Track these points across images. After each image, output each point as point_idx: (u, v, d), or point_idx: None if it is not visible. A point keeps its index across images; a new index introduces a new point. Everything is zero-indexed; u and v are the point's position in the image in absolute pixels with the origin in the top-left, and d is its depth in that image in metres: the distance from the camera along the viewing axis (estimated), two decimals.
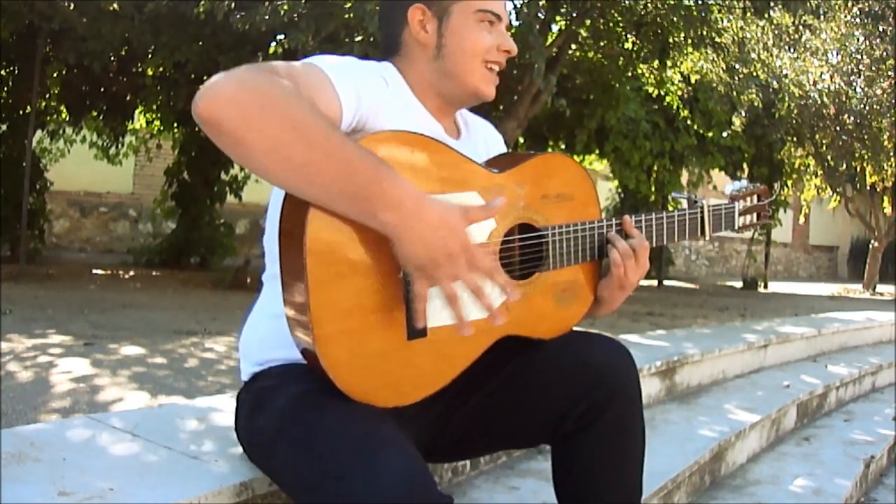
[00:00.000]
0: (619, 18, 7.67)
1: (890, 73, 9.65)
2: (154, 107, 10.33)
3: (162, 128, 11.03)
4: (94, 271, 8.72)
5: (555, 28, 7.65)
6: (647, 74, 8.85)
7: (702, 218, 1.48)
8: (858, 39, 9.50)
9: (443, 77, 1.31)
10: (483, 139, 1.46)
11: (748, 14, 7.35)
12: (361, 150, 1.02)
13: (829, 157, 12.04)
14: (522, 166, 1.32)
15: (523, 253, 1.31)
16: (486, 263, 1.08)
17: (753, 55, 8.23)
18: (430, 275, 1.06)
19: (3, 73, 8.64)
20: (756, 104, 9.64)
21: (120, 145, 11.40)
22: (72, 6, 6.88)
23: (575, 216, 1.35)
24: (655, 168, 11.58)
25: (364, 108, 1.15)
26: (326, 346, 1.06)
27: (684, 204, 1.49)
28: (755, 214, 1.58)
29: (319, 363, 1.07)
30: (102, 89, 9.90)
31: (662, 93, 9.25)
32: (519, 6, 6.46)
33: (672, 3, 7.14)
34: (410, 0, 1.29)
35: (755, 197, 1.57)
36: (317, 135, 0.99)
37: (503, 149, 1.50)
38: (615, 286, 1.37)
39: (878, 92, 9.99)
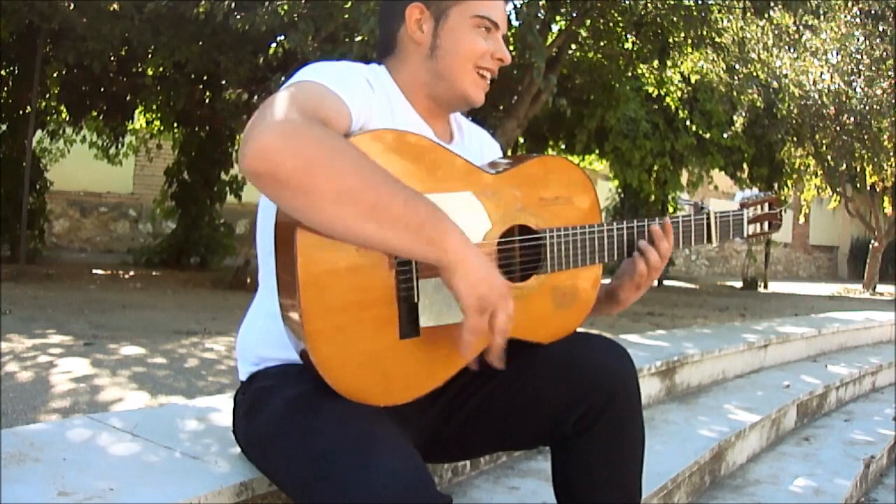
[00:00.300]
0: (619, 18, 7.67)
1: (890, 73, 9.65)
2: (154, 107, 10.32)
3: (162, 128, 11.03)
4: (94, 271, 8.72)
5: (555, 28, 7.64)
6: (647, 74, 8.84)
7: (708, 225, 1.47)
8: (858, 39, 9.50)
9: (434, 78, 1.31)
10: (479, 145, 1.45)
11: (748, 14, 7.35)
12: (412, 188, 1.04)
13: (829, 157, 12.04)
14: (519, 168, 1.31)
15: (521, 255, 1.30)
16: (512, 307, 1.10)
17: (753, 55, 8.23)
18: (485, 306, 1.07)
19: (3, 73, 8.64)
20: (756, 104, 9.64)
21: (120, 145, 11.40)
22: (72, 6, 6.88)
23: (574, 219, 1.34)
24: (656, 168, 11.57)
25: (363, 115, 1.17)
26: (317, 343, 1.06)
27: (687, 210, 1.48)
28: (766, 223, 1.58)
29: (311, 362, 1.07)
30: (102, 89, 9.90)
31: (662, 93, 9.24)
32: (519, 6, 6.46)
33: (672, 3, 7.14)
34: None
35: (766, 205, 1.57)
36: (377, 177, 1.00)
37: (500, 155, 1.49)
38: (633, 288, 1.40)
39: (878, 92, 9.99)
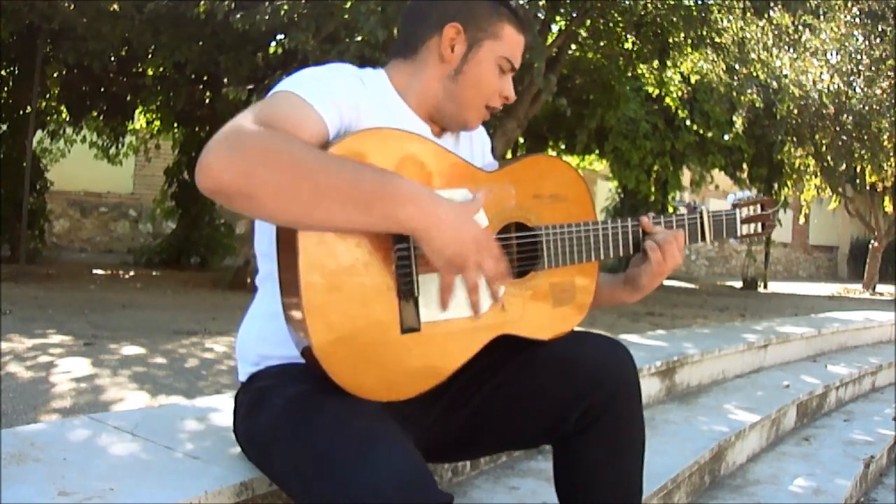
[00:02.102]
0: (619, 18, 7.67)
1: (890, 73, 9.64)
2: (154, 107, 10.33)
3: (162, 128, 11.03)
4: (94, 271, 8.72)
5: (555, 28, 7.64)
6: (647, 74, 8.84)
7: (701, 223, 1.50)
8: (858, 39, 9.49)
9: (447, 97, 1.32)
10: (468, 139, 1.46)
11: (748, 14, 7.35)
12: (359, 164, 1.07)
13: (828, 158, 12.03)
14: (513, 166, 1.33)
15: (518, 252, 1.31)
16: (497, 250, 1.14)
17: (753, 55, 8.22)
18: (459, 264, 1.09)
19: (3, 73, 8.64)
20: (756, 104, 9.63)
21: (120, 145, 11.40)
22: (72, 6, 6.87)
23: (569, 217, 1.35)
24: (656, 168, 11.58)
25: (346, 118, 1.17)
26: (320, 340, 1.07)
27: (682, 210, 1.51)
28: (759, 224, 1.59)
29: (315, 357, 1.07)
30: (102, 89, 9.90)
31: (662, 93, 9.24)
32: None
33: (672, 3, 7.14)
34: (451, 15, 1.29)
35: (759, 206, 1.59)
36: (313, 164, 1.03)
37: (489, 144, 1.51)
38: (654, 273, 1.40)
39: (878, 92, 9.98)
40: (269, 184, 1.00)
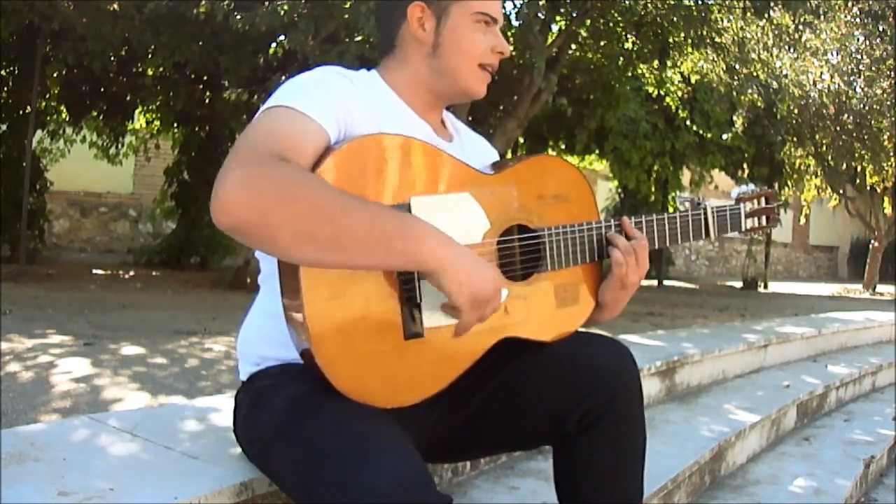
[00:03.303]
0: (619, 18, 7.67)
1: (890, 73, 9.64)
2: (154, 107, 10.33)
3: (162, 128, 11.03)
4: (94, 271, 8.72)
5: (555, 28, 7.64)
6: (647, 74, 8.85)
7: (705, 219, 1.48)
8: (858, 39, 9.49)
9: (437, 74, 1.32)
10: (476, 148, 1.45)
11: (748, 14, 7.35)
12: (379, 205, 1.08)
13: (829, 157, 12.04)
14: (515, 168, 1.32)
15: (521, 254, 1.31)
16: (503, 294, 1.16)
17: (753, 55, 8.22)
18: (481, 301, 1.10)
19: (3, 73, 8.64)
20: (756, 104, 9.64)
21: (120, 145, 11.40)
22: (72, 6, 6.87)
23: (572, 217, 1.35)
24: (656, 168, 11.58)
25: (342, 120, 1.17)
26: (322, 346, 1.07)
27: (686, 206, 1.49)
28: (764, 217, 1.58)
29: (316, 363, 1.07)
30: (102, 89, 9.90)
31: (662, 93, 9.25)
32: (519, 6, 6.46)
33: (672, 3, 7.14)
34: None
35: (762, 199, 1.57)
36: (334, 207, 1.02)
37: (496, 158, 1.50)
38: (617, 286, 1.37)
39: (878, 92, 9.98)
40: (287, 226, 1.01)
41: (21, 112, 8.61)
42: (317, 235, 1.01)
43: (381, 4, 1.39)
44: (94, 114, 10.39)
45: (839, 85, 9.92)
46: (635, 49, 8.21)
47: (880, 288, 14.83)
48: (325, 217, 1.01)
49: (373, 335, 1.11)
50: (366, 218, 1.03)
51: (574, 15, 7.23)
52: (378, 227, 1.03)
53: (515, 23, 6.27)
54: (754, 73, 8.50)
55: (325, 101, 1.16)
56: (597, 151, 12.07)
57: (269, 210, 1.00)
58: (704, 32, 7.34)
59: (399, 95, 1.33)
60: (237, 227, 1.01)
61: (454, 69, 1.31)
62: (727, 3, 7.33)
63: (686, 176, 12.59)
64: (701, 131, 11.13)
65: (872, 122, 10.39)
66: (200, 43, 7.33)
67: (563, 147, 11.51)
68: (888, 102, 9.99)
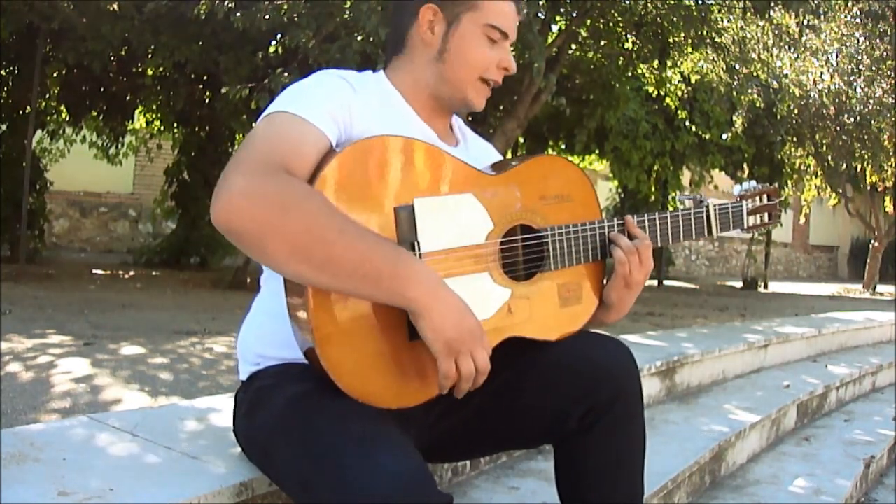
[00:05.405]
0: (619, 18, 7.67)
1: (890, 73, 9.64)
2: (154, 107, 10.33)
3: (162, 128, 11.03)
4: (94, 271, 8.72)
5: (555, 28, 7.65)
6: (647, 74, 8.85)
7: (707, 217, 1.48)
8: (858, 39, 9.50)
9: (439, 80, 1.32)
10: (483, 155, 1.45)
11: (748, 14, 7.35)
12: (377, 237, 1.08)
13: (829, 157, 12.04)
14: (518, 168, 1.32)
15: (524, 254, 1.31)
16: (488, 344, 1.14)
17: (753, 55, 8.22)
18: (456, 350, 1.10)
19: (3, 73, 8.63)
20: (756, 104, 9.64)
21: (120, 145, 11.39)
22: (72, 6, 6.87)
23: (575, 217, 1.35)
24: (656, 168, 11.58)
25: (341, 124, 1.17)
26: (327, 347, 1.06)
27: (688, 204, 1.49)
28: (766, 214, 1.58)
29: (320, 362, 1.07)
30: (102, 89, 9.89)
31: (662, 93, 9.25)
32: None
33: (672, 3, 7.14)
34: None
35: (764, 196, 1.57)
36: (332, 232, 1.03)
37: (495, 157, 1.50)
38: (621, 286, 1.37)
39: (878, 92, 9.98)
40: (282, 242, 1.02)
41: (21, 112, 8.61)
42: (311, 255, 1.02)
43: (393, 3, 1.39)
44: (94, 114, 10.38)
45: (839, 85, 9.93)
46: (635, 49, 8.21)
47: (880, 288, 14.83)
48: (322, 239, 1.02)
49: (378, 335, 1.11)
50: (360, 248, 1.04)
51: (574, 15, 7.23)
52: (370, 260, 1.04)
53: None
54: (754, 73, 8.51)
55: (325, 105, 1.16)
56: (597, 151, 12.07)
57: (268, 223, 1.01)
58: (704, 32, 7.35)
59: (404, 98, 1.33)
60: (234, 234, 1.02)
61: (456, 79, 1.31)
62: (727, 3, 7.33)
63: (686, 176, 12.59)
64: (701, 131, 11.13)
65: (872, 122, 10.40)
66: (200, 43, 7.33)
67: (563, 147, 11.51)
68: (888, 102, 10.00)
